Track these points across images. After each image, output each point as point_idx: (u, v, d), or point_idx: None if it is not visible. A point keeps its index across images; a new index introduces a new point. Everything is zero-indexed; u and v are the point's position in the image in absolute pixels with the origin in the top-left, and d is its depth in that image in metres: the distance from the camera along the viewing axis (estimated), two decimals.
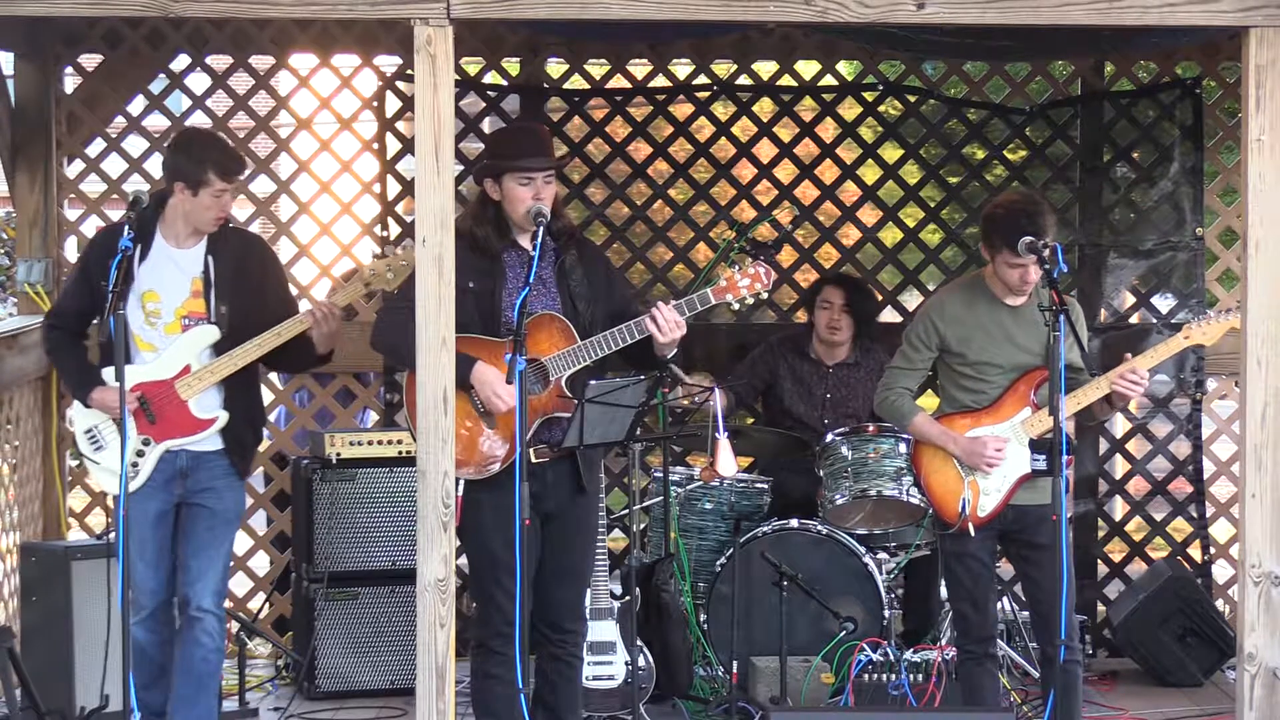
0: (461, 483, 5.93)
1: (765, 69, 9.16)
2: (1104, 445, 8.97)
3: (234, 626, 7.97)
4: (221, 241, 6.39)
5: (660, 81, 8.91)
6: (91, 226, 8.84)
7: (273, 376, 8.48)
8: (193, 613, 6.33)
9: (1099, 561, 8.85)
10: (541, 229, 5.93)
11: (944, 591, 8.14)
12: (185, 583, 6.34)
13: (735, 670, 7.28)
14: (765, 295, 6.17)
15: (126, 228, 6.06)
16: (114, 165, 8.72)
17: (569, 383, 6.02)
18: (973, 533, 6.38)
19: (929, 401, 6.86)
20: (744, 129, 8.98)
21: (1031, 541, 6.39)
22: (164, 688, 6.50)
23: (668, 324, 5.97)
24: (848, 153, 9.11)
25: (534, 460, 5.96)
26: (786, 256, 8.86)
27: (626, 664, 7.25)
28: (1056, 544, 5.88)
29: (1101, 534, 8.87)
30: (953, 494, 6.42)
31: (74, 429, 6.48)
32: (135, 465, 6.26)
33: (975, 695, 6.50)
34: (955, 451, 6.41)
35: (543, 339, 6.01)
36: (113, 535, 7.13)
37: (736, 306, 6.11)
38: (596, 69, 9.14)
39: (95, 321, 6.30)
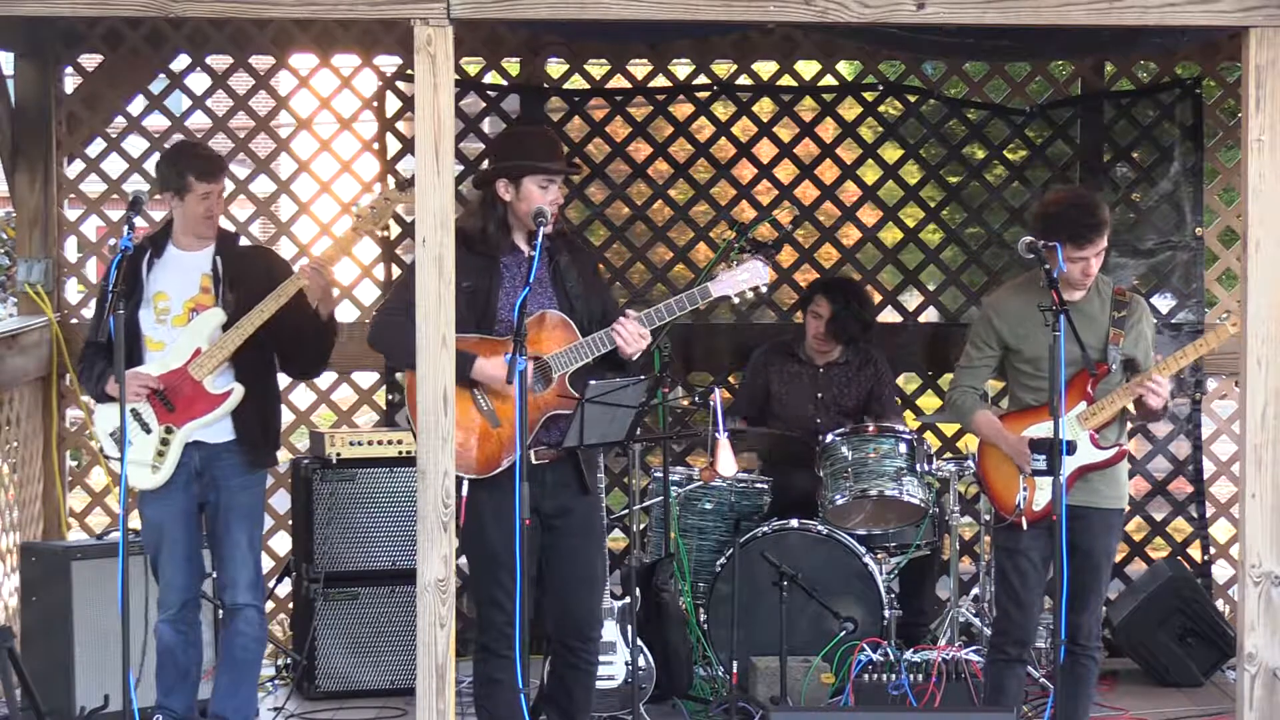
0: (465, 483, 5.93)
1: (765, 69, 9.15)
2: None
3: None
4: (230, 244, 6.59)
5: (660, 81, 8.90)
6: (92, 226, 8.87)
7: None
8: (230, 606, 6.49)
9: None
10: (541, 229, 5.92)
11: (940, 592, 8.19)
12: (220, 579, 6.51)
13: (735, 670, 7.26)
14: (764, 289, 6.18)
15: (126, 227, 6.11)
16: (114, 165, 8.71)
17: (570, 380, 6.02)
18: (1024, 526, 6.37)
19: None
20: (744, 129, 8.98)
21: (1072, 542, 6.26)
22: (186, 693, 6.56)
23: (630, 335, 6.00)
24: (848, 153, 9.10)
25: (534, 462, 5.95)
26: (786, 256, 8.85)
27: (626, 664, 7.25)
28: (1057, 543, 5.87)
29: None
30: (1011, 489, 6.39)
31: (96, 434, 6.55)
32: (161, 455, 6.37)
33: (998, 696, 6.47)
34: (1005, 449, 6.42)
35: (544, 336, 6.02)
36: (113, 536, 7.22)
37: (736, 301, 6.11)
38: (596, 69, 9.13)
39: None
